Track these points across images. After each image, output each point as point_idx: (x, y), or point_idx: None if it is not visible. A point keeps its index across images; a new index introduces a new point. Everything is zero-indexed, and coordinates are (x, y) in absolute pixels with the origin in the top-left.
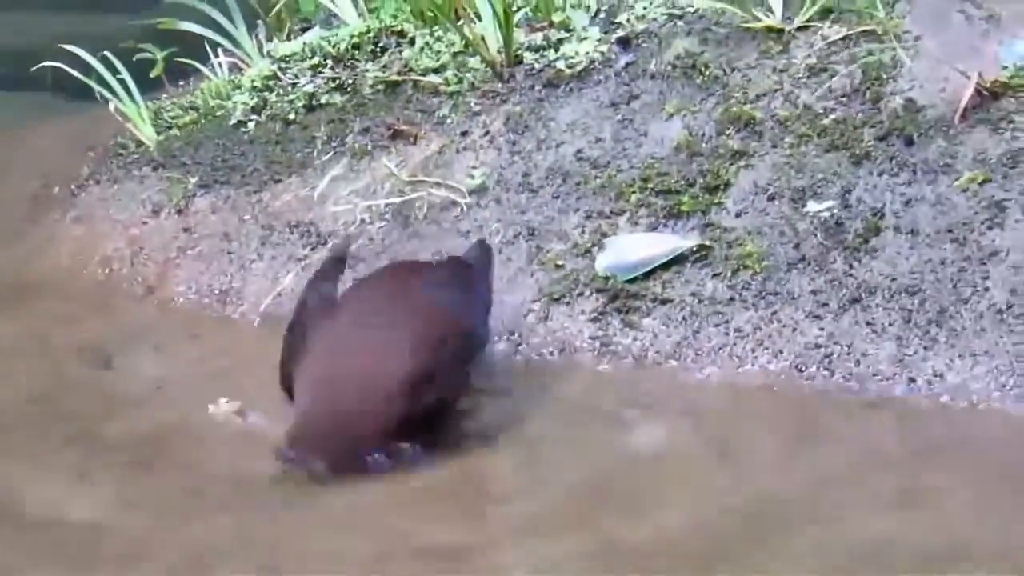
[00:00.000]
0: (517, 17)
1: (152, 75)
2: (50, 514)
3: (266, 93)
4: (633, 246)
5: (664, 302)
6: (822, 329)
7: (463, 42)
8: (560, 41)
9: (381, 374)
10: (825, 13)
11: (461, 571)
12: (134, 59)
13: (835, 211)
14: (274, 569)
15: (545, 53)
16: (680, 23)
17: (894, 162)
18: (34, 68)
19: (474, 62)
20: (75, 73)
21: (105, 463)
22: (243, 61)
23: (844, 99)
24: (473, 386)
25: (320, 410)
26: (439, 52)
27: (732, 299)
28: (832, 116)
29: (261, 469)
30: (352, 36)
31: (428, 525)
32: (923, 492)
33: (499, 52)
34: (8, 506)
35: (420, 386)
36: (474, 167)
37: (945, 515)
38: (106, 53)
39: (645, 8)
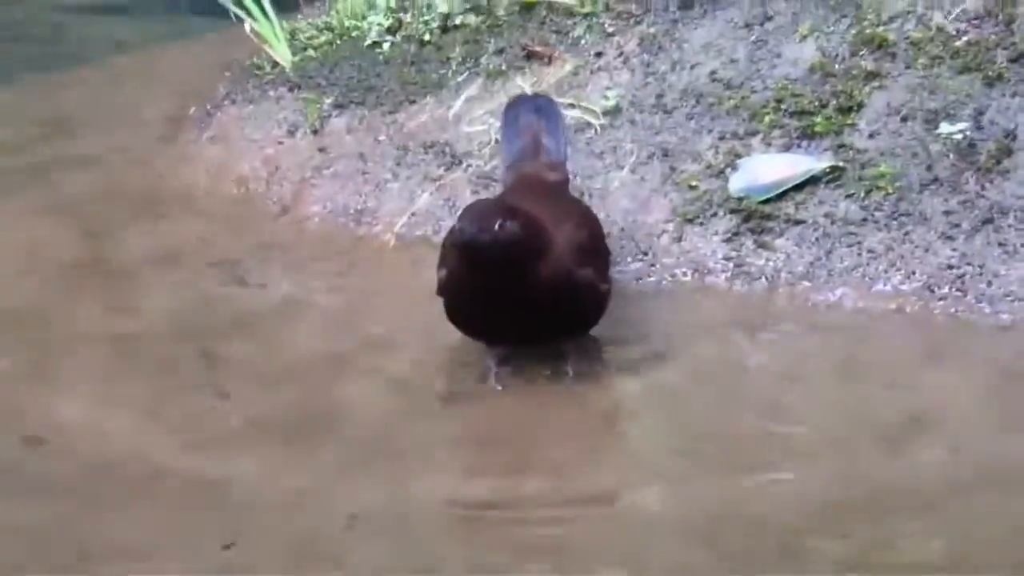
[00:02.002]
0: None
1: None
2: (179, 422)
3: (401, 14)
4: (766, 167)
5: (797, 223)
6: (954, 250)
7: None
8: None
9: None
10: None
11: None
12: None
13: (968, 132)
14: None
15: None
16: None
17: None
18: None
19: None
20: None
21: (238, 377)
22: None
23: (977, 21)
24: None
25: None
26: None
27: (865, 220)
28: (965, 38)
29: (388, 393)
30: None
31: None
32: None
33: None
34: (135, 422)
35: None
36: (608, 88)
37: None
38: None
39: None
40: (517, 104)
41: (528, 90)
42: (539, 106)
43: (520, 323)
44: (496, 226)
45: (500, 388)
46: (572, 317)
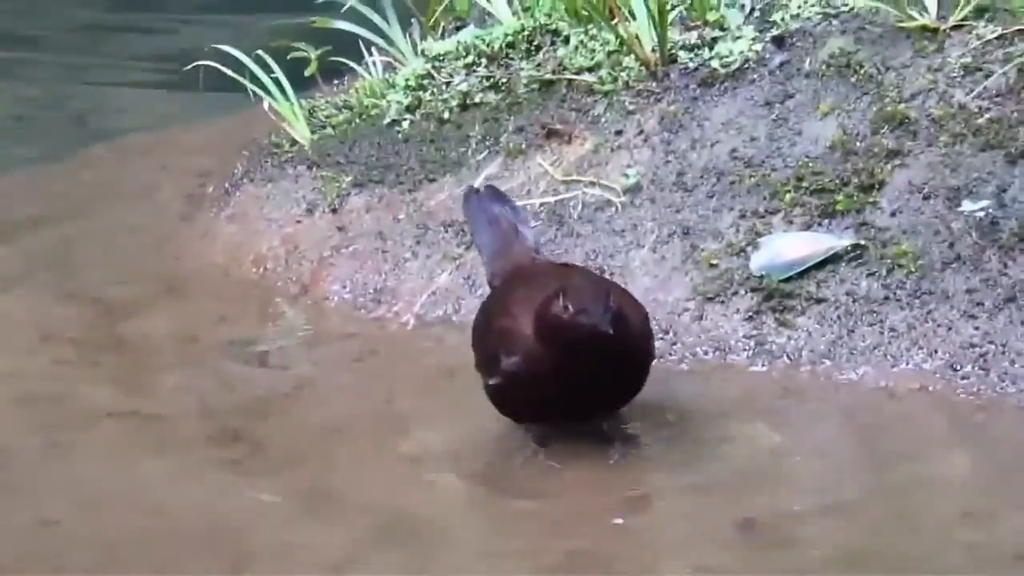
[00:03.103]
0: (672, 16)
1: (306, 74)
2: (203, 505)
3: (420, 92)
4: (788, 245)
5: (819, 301)
6: (977, 328)
7: (617, 41)
8: (715, 40)
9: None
10: (980, 12)
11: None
12: (288, 58)
13: (990, 210)
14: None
15: (699, 52)
16: (835, 22)
17: None
18: (187, 67)
19: (628, 61)
20: (229, 72)
21: (262, 464)
22: (397, 60)
23: (999, 98)
24: None
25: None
26: (593, 51)
27: (887, 298)
28: (987, 115)
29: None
30: (506, 34)
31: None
32: None
33: (653, 51)
34: (159, 499)
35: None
36: (628, 166)
37: None
38: (259, 52)
39: (799, 7)
40: (474, 198)
41: (550, 169)
42: (498, 197)
43: (584, 400)
44: (611, 308)
45: (558, 466)
46: (632, 388)
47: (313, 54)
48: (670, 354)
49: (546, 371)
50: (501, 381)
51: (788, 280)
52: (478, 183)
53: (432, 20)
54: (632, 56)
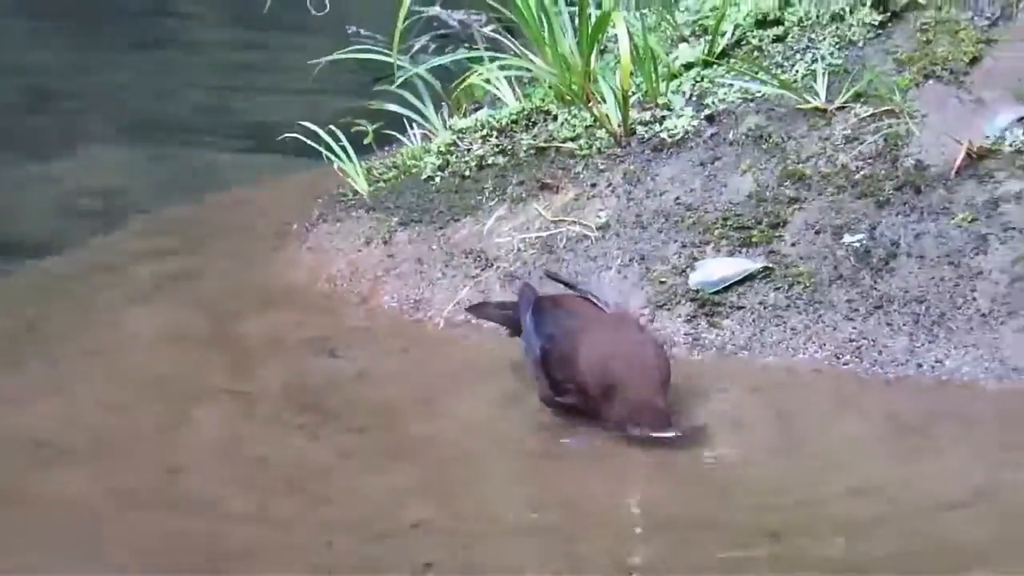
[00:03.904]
0: (632, 100)
1: (365, 142)
2: (290, 459)
3: (448, 156)
4: (716, 267)
5: (739, 308)
6: (854, 328)
7: (592, 118)
8: (663, 117)
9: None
10: (857, 97)
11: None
12: (352, 130)
13: (864, 242)
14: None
15: (652, 126)
16: (751, 104)
17: (907, 206)
18: (279, 137)
19: (600, 133)
20: (309, 141)
21: (332, 429)
22: (431, 132)
23: (871, 160)
24: None
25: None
26: (575, 126)
27: (788, 306)
28: (862, 172)
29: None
30: (511, 114)
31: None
32: (926, 446)
33: (619, 126)
34: (259, 455)
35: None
36: (600, 210)
37: (943, 461)
38: (331, 126)
39: (725, 93)
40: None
41: (543, 212)
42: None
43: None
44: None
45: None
46: None
47: (370, 128)
48: None
49: (603, 420)
50: (562, 401)
51: (717, 293)
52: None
53: (457, 103)
54: (603, 130)
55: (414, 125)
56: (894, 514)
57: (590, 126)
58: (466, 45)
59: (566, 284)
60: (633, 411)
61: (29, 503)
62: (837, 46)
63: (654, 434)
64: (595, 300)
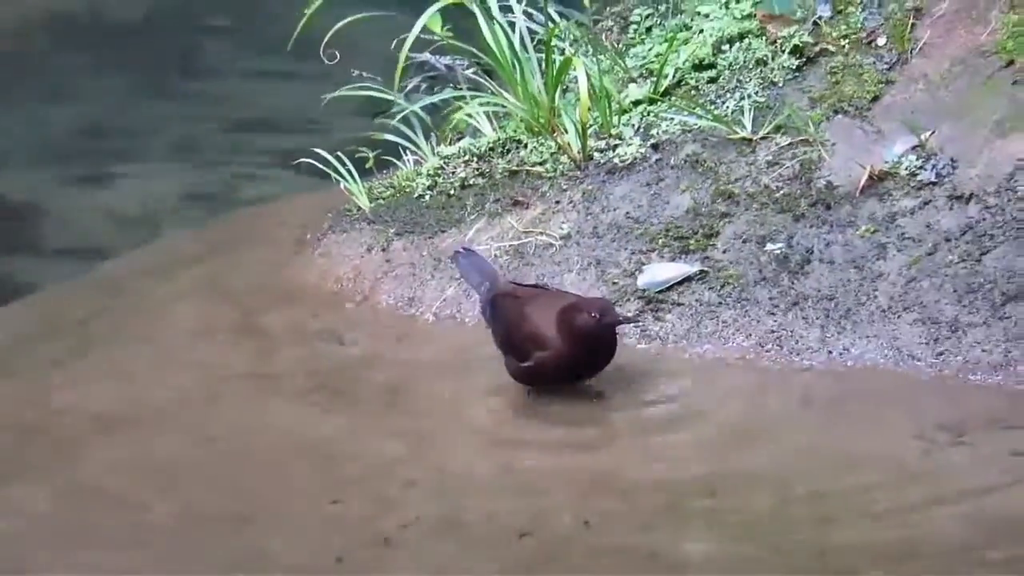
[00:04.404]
0: (589, 131)
1: (367, 167)
2: (305, 430)
3: (436, 177)
4: (660, 270)
5: (679, 305)
6: (776, 322)
7: (557, 146)
8: (616, 145)
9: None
10: (777, 128)
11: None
12: (355, 156)
13: (783, 249)
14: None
15: (607, 152)
16: (689, 134)
17: (819, 219)
18: (294, 161)
19: (563, 158)
20: (320, 165)
21: (340, 404)
22: (422, 158)
23: (789, 181)
24: None
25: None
26: (542, 152)
27: (720, 303)
28: (782, 191)
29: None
30: (489, 143)
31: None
32: (835, 419)
33: (579, 152)
34: (279, 426)
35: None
36: (563, 222)
37: (843, 431)
38: (339, 153)
39: (667, 126)
40: (460, 256)
41: (515, 224)
42: (474, 253)
43: (582, 373)
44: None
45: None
46: (608, 362)
47: (371, 154)
48: None
49: (566, 358)
50: (533, 365)
51: (660, 292)
52: (459, 246)
53: (444, 134)
54: (566, 156)
55: (408, 152)
56: (809, 472)
57: (555, 153)
58: (451, 85)
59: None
60: (587, 309)
61: (90, 464)
62: (761, 86)
63: (608, 321)
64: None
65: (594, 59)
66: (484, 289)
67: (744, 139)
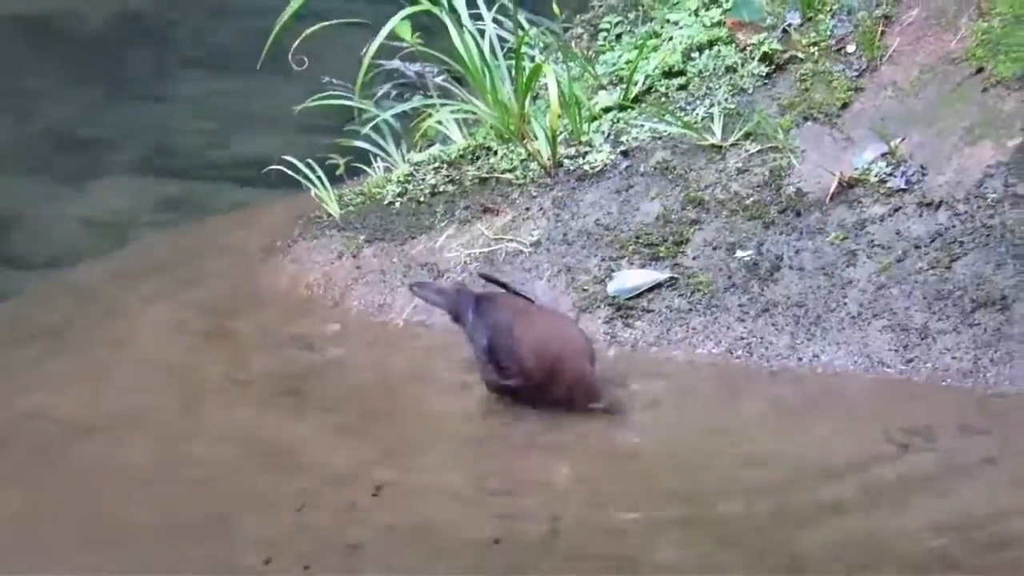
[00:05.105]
0: (560, 138)
1: (337, 173)
2: (274, 435)
3: (406, 184)
4: (630, 277)
5: (649, 311)
6: (745, 328)
7: (527, 153)
8: (586, 152)
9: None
10: (747, 135)
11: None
12: (326, 163)
13: (753, 256)
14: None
15: (577, 159)
16: (659, 141)
17: (789, 226)
18: (264, 169)
19: (533, 165)
20: (290, 172)
21: (310, 409)
22: (393, 165)
23: (759, 188)
24: None
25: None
26: (512, 159)
27: (690, 310)
28: (751, 198)
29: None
30: (459, 150)
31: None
32: (804, 425)
33: (549, 159)
34: (249, 431)
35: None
36: (533, 229)
37: (813, 437)
38: (309, 160)
39: (637, 132)
40: (415, 287)
41: (485, 231)
42: (427, 283)
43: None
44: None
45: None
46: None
47: (341, 161)
48: None
49: (547, 393)
50: (512, 386)
51: (630, 299)
52: (409, 284)
53: (414, 141)
54: (536, 163)
55: (378, 159)
56: (778, 478)
57: (525, 160)
58: (422, 92)
59: (498, 283)
60: (570, 388)
61: (60, 469)
62: (731, 93)
63: (590, 406)
64: (524, 295)
65: (564, 66)
66: (452, 299)
67: (714, 146)
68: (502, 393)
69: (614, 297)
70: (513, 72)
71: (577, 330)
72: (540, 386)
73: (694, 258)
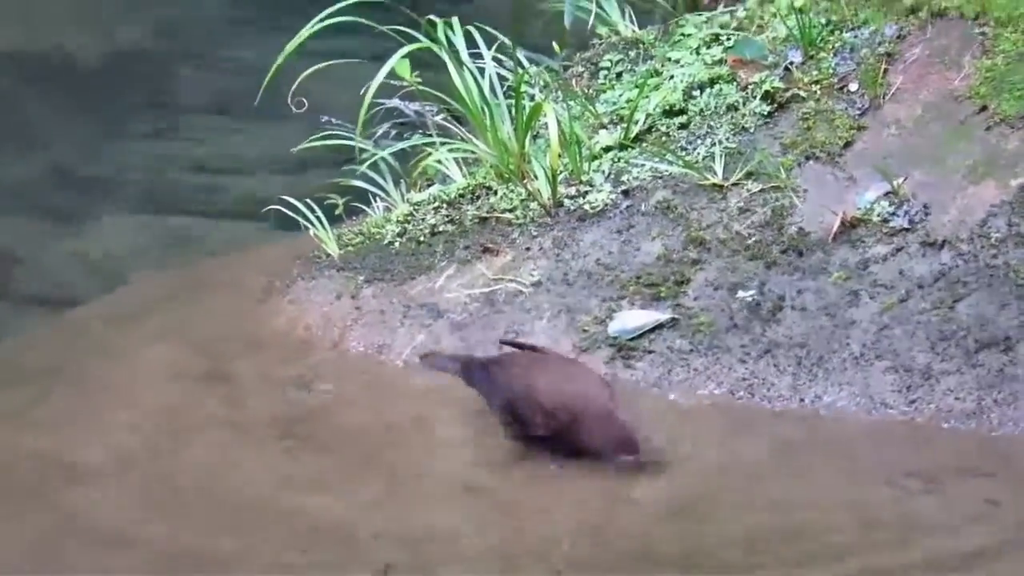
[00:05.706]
0: (560, 177)
1: (336, 213)
2: (272, 480)
3: (406, 224)
4: (631, 318)
5: (650, 352)
6: (747, 369)
7: (527, 193)
8: (586, 192)
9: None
10: (749, 175)
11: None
12: (325, 203)
13: (755, 297)
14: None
15: (577, 199)
16: (660, 181)
17: (791, 266)
18: (264, 209)
19: (534, 205)
20: (289, 212)
21: (309, 451)
22: (392, 205)
23: (760, 228)
24: None
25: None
26: (512, 199)
27: (692, 351)
28: (753, 238)
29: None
30: (459, 189)
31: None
32: (806, 467)
33: (549, 199)
34: (248, 476)
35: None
36: (534, 269)
37: (814, 478)
38: (308, 200)
39: (638, 172)
40: (423, 361)
41: (485, 271)
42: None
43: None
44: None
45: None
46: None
47: (340, 201)
48: None
49: (573, 444)
50: (526, 433)
51: (632, 339)
52: (417, 359)
53: (413, 180)
54: (536, 202)
55: (378, 199)
56: (779, 520)
57: (525, 199)
58: (421, 131)
59: (517, 346)
60: (601, 438)
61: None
62: (732, 132)
63: (626, 457)
64: (541, 349)
65: (564, 105)
66: (464, 366)
67: (715, 185)
68: (531, 447)
69: (615, 338)
70: (513, 111)
71: (593, 373)
72: (566, 427)
73: (695, 298)
